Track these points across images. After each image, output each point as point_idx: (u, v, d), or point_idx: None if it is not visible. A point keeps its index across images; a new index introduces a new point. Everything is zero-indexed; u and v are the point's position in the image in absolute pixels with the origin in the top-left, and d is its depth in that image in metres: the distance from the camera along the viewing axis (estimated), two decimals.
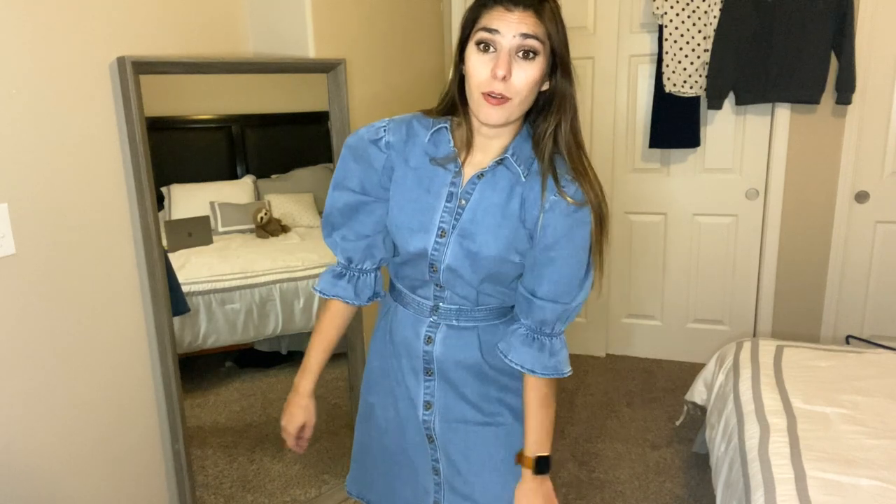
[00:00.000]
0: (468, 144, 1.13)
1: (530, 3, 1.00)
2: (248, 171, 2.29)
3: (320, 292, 1.26)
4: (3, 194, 1.41)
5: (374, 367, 1.32)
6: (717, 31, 2.87)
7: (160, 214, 1.81)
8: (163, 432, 1.85)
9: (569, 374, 1.16)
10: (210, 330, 2.11)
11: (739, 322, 3.33)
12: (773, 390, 1.98)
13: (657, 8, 2.91)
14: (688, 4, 2.88)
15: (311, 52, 2.05)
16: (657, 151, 3.25)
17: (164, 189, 2.05)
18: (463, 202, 1.12)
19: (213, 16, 1.93)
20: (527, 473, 1.18)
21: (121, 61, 1.59)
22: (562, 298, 1.11)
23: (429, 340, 1.20)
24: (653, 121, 3.11)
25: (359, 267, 1.24)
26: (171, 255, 1.90)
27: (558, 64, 1.05)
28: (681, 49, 2.92)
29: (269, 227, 2.29)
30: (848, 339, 3.11)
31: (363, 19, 2.33)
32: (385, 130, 1.17)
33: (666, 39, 2.93)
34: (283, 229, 2.33)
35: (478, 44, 1.02)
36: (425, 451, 1.26)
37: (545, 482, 1.18)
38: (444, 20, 3.10)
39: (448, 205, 1.12)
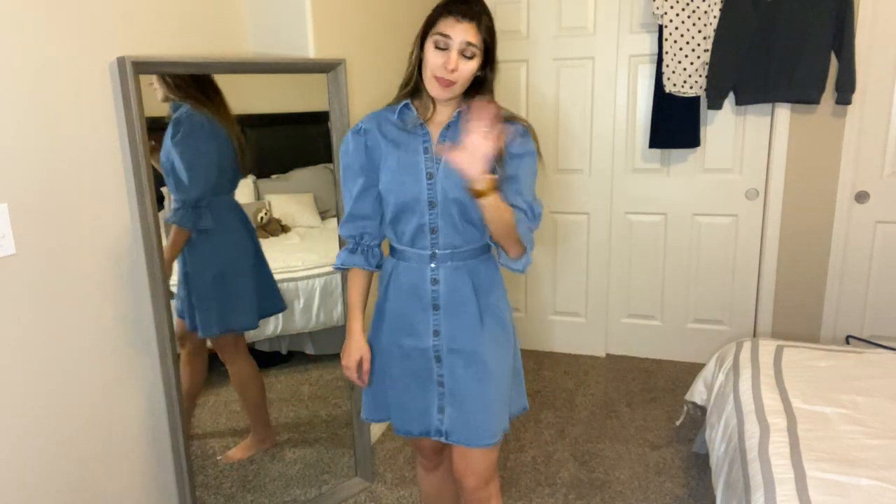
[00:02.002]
0: (431, 109, 1.50)
1: (472, 19, 1.39)
2: (248, 172, 2.29)
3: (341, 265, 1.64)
4: (3, 194, 1.41)
5: (384, 311, 1.60)
6: (717, 31, 2.87)
7: (160, 214, 1.81)
8: (163, 432, 1.85)
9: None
10: None
11: (739, 322, 3.33)
12: (773, 390, 1.98)
13: (657, 8, 2.91)
14: (688, 4, 2.88)
15: (311, 52, 2.05)
16: (657, 151, 3.25)
17: (163, 189, 2.05)
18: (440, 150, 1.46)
19: (213, 16, 1.93)
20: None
21: (121, 61, 1.59)
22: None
23: (435, 282, 1.53)
24: (653, 121, 3.10)
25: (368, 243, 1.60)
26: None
27: (490, 60, 1.46)
28: (681, 49, 2.92)
29: (269, 228, 2.29)
30: (848, 339, 3.11)
31: (363, 19, 2.33)
32: (362, 122, 1.55)
33: (666, 39, 2.93)
34: (283, 229, 2.33)
35: (435, 43, 1.40)
36: (432, 370, 1.57)
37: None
38: None
39: (427, 156, 1.49)
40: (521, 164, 1.48)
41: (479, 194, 1.32)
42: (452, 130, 1.49)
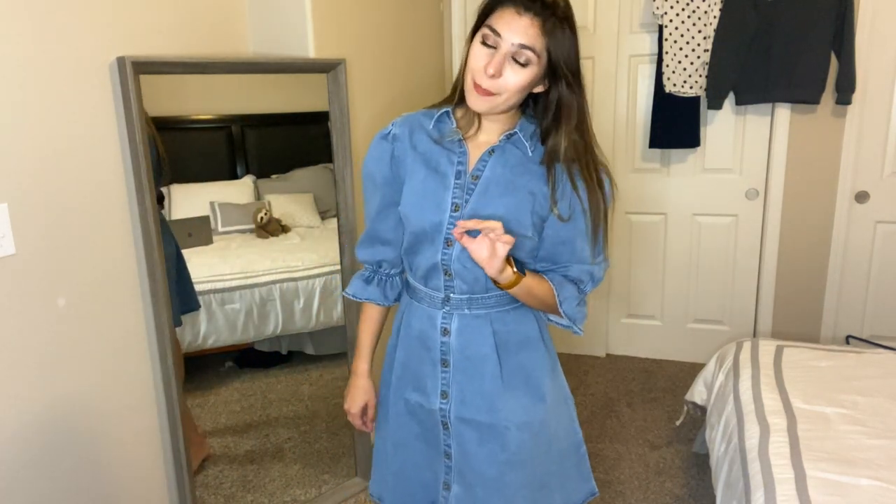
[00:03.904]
0: (476, 124, 1.22)
1: (540, 14, 1.07)
2: (248, 171, 2.29)
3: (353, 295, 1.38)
4: (3, 194, 1.41)
5: (394, 359, 1.36)
6: (717, 31, 2.87)
7: (160, 214, 1.81)
8: (163, 432, 1.85)
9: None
10: (210, 330, 2.11)
11: (739, 322, 3.33)
12: (773, 390, 1.98)
13: (657, 8, 2.91)
14: (688, 4, 2.88)
15: (311, 52, 2.05)
16: (657, 151, 3.25)
17: (163, 189, 2.05)
18: (475, 178, 1.20)
19: (213, 16, 1.93)
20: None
21: (121, 61, 1.59)
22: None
23: (445, 332, 1.25)
24: (653, 121, 3.10)
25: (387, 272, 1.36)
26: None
27: (561, 75, 1.12)
28: (681, 49, 2.92)
29: (269, 228, 2.29)
30: (848, 339, 3.11)
31: (363, 19, 2.33)
32: (393, 125, 1.28)
33: (666, 39, 2.93)
34: (283, 229, 2.33)
35: (483, 38, 1.10)
36: (438, 437, 1.31)
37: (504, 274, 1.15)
38: (444, 20, 3.10)
39: (458, 181, 1.20)
40: (584, 219, 1.19)
41: (503, 287, 1.17)
42: (497, 156, 1.20)
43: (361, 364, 1.40)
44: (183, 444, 1.84)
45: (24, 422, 1.50)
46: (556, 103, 1.15)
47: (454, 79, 1.23)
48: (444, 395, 1.27)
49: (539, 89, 1.16)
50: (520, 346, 1.26)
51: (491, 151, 1.20)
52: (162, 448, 1.86)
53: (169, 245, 1.94)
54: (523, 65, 1.09)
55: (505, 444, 1.25)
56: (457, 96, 1.22)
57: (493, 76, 1.08)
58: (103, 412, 1.69)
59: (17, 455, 1.49)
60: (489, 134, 1.21)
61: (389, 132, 1.27)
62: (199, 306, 2.08)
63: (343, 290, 1.41)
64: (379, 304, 1.36)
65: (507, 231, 1.12)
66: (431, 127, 1.24)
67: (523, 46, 1.07)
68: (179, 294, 2.00)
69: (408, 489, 1.38)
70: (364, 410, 1.41)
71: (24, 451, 1.50)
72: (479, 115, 1.20)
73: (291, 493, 2.25)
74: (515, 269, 1.14)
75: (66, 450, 1.60)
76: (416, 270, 1.27)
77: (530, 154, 1.20)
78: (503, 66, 1.08)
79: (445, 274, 1.22)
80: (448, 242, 1.20)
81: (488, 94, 1.10)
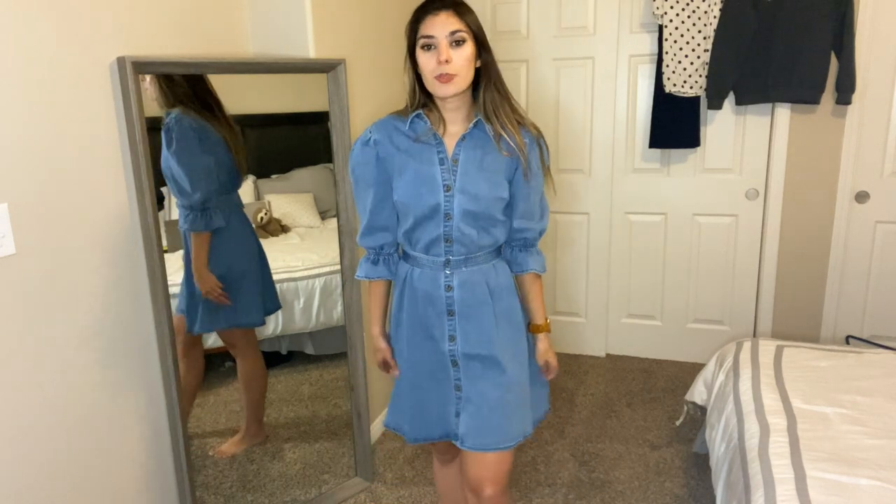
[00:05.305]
0: (442, 123, 1.50)
1: (447, 7, 1.40)
2: (248, 171, 2.29)
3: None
4: (3, 194, 1.41)
5: (401, 318, 1.61)
6: (717, 31, 2.87)
7: (160, 214, 1.81)
8: (163, 433, 1.85)
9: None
10: None
11: (739, 322, 3.33)
12: (773, 390, 1.98)
13: (657, 8, 2.91)
14: (688, 4, 2.88)
15: (311, 52, 2.05)
16: (657, 151, 3.25)
17: (164, 189, 2.05)
18: (455, 162, 1.49)
19: (213, 16, 1.93)
20: (543, 336, 1.66)
21: (121, 61, 1.59)
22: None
23: (448, 288, 1.54)
24: (653, 121, 3.10)
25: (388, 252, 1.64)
26: (170, 255, 1.90)
27: (481, 42, 1.44)
28: (681, 49, 2.92)
29: (270, 228, 2.29)
30: (848, 339, 3.12)
31: (363, 19, 2.34)
32: (370, 132, 1.53)
33: (666, 39, 2.93)
34: (283, 229, 2.33)
35: (423, 47, 1.41)
36: (449, 375, 1.60)
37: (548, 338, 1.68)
38: None
39: (443, 167, 1.49)
40: (536, 182, 1.53)
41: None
42: (469, 141, 1.49)
43: (374, 328, 1.68)
44: (183, 444, 1.84)
45: (24, 421, 1.50)
46: (484, 67, 1.46)
47: (410, 86, 1.50)
48: (452, 338, 1.56)
49: (477, 64, 1.45)
50: (503, 292, 1.58)
51: (463, 138, 1.49)
52: (162, 448, 1.86)
53: (252, 245, 2.11)
54: (460, 43, 1.39)
55: (503, 370, 1.55)
56: (416, 103, 1.50)
57: (447, 61, 1.38)
58: (103, 412, 1.69)
59: (16, 454, 1.49)
60: (456, 125, 1.51)
61: (370, 138, 1.51)
62: (280, 307, 2.23)
63: (355, 275, 1.68)
64: (387, 280, 1.65)
65: (491, 196, 1.48)
66: (407, 128, 1.50)
67: (453, 32, 1.39)
68: (263, 294, 2.15)
69: (425, 421, 1.65)
70: (385, 364, 1.69)
71: (23, 451, 1.50)
72: (443, 116, 1.49)
73: (291, 493, 2.25)
74: (542, 324, 1.66)
75: (66, 449, 1.60)
76: (416, 244, 1.54)
77: (490, 134, 1.49)
78: (449, 51, 1.38)
79: (446, 242, 1.51)
80: (447, 216, 1.48)
81: (450, 78, 1.39)
